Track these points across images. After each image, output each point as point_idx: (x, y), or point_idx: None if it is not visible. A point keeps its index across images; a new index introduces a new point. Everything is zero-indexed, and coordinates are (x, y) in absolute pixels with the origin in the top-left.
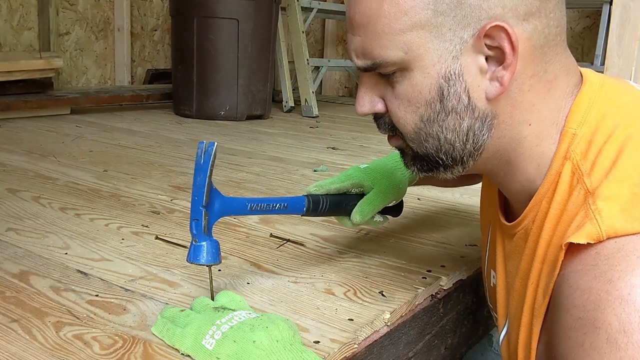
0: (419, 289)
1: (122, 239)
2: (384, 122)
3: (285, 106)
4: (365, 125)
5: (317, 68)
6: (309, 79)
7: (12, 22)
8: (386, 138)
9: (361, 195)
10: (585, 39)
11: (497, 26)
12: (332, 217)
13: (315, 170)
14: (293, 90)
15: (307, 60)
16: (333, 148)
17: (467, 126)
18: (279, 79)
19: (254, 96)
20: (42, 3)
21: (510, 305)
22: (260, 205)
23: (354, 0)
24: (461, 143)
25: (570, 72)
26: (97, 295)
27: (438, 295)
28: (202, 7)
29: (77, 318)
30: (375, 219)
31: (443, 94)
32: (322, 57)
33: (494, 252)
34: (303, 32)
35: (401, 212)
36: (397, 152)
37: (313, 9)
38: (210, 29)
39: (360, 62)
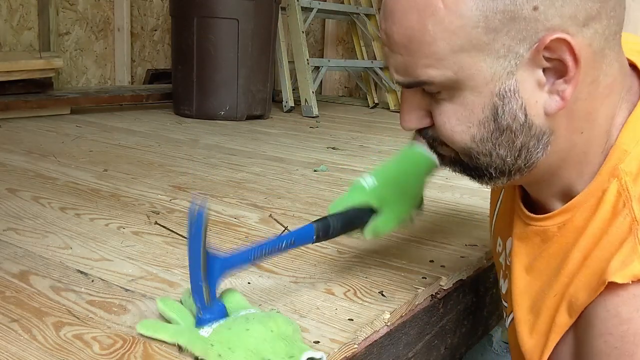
0: (419, 289)
1: (122, 239)
2: (427, 134)
3: (285, 106)
4: (365, 125)
5: (317, 68)
6: (309, 79)
7: (12, 22)
8: (384, 139)
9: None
10: None
11: (557, 39)
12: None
13: (315, 170)
14: (293, 90)
15: (307, 60)
16: (333, 148)
17: (521, 143)
18: (279, 79)
19: (254, 96)
20: (42, 3)
21: (517, 295)
22: (265, 251)
23: (390, 15)
24: (512, 158)
25: (625, 72)
26: (97, 295)
27: (438, 295)
28: (202, 7)
29: (77, 318)
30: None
31: (497, 113)
32: (322, 57)
33: (504, 221)
34: (303, 32)
35: (421, 205)
36: (408, 148)
37: (313, 9)
38: (210, 29)
39: (401, 79)
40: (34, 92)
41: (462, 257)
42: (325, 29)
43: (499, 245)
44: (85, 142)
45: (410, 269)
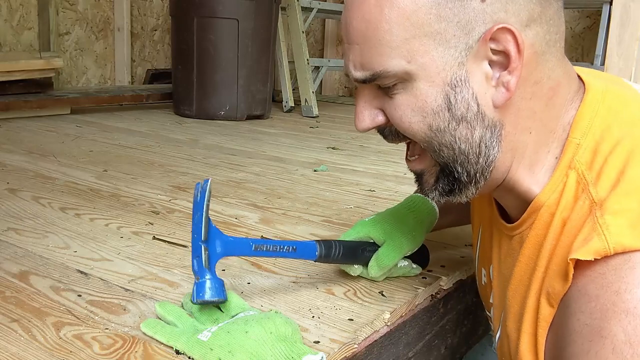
0: (419, 289)
1: (122, 239)
2: (391, 131)
3: (285, 106)
4: None
5: (317, 68)
6: (309, 79)
7: (12, 22)
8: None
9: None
10: (585, 39)
11: (503, 28)
12: (346, 268)
13: (315, 170)
14: (293, 90)
15: (307, 60)
16: (333, 148)
17: (479, 136)
18: (279, 79)
19: (254, 96)
20: (42, 3)
21: (505, 308)
22: (266, 247)
23: (352, 5)
24: (475, 155)
25: (571, 79)
26: (97, 295)
27: (438, 295)
28: (202, 7)
29: (77, 318)
30: (400, 266)
31: (450, 102)
32: (322, 57)
33: (485, 251)
34: (303, 32)
35: (428, 261)
36: (410, 198)
37: (313, 9)
38: (210, 29)
39: (358, 74)
40: (34, 92)
41: (462, 257)
42: (325, 29)
43: (484, 275)
44: (85, 142)
45: None
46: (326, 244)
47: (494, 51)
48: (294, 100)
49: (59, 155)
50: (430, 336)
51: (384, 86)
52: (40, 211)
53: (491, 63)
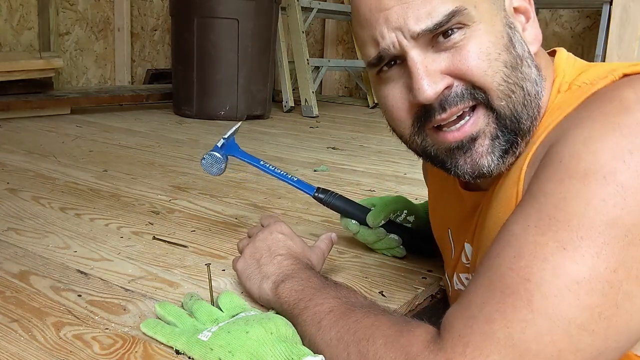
0: (419, 289)
1: (122, 239)
2: (456, 93)
3: (285, 106)
4: (365, 125)
5: (317, 68)
6: (309, 79)
7: (12, 22)
8: (384, 139)
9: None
10: (585, 39)
11: None
12: (346, 224)
13: (315, 170)
14: (293, 90)
15: (307, 60)
16: (333, 148)
17: (535, 76)
18: (279, 79)
19: (254, 96)
20: (42, 3)
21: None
22: (273, 166)
23: None
24: (535, 97)
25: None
26: (97, 295)
27: (438, 296)
28: (202, 7)
29: (77, 318)
30: (391, 237)
31: (512, 40)
32: (322, 57)
33: (459, 255)
34: (303, 32)
35: (426, 244)
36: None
37: (313, 9)
38: (210, 29)
39: (424, 24)
40: (34, 92)
41: None
42: (325, 29)
43: (457, 282)
44: (85, 142)
45: (410, 269)
46: (324, 188)
47: (516, 9)
48: (294, 100)
49: (59, 155)
50: None
51: (444, 39)
52: (40, 211)
53: (515, 15)
